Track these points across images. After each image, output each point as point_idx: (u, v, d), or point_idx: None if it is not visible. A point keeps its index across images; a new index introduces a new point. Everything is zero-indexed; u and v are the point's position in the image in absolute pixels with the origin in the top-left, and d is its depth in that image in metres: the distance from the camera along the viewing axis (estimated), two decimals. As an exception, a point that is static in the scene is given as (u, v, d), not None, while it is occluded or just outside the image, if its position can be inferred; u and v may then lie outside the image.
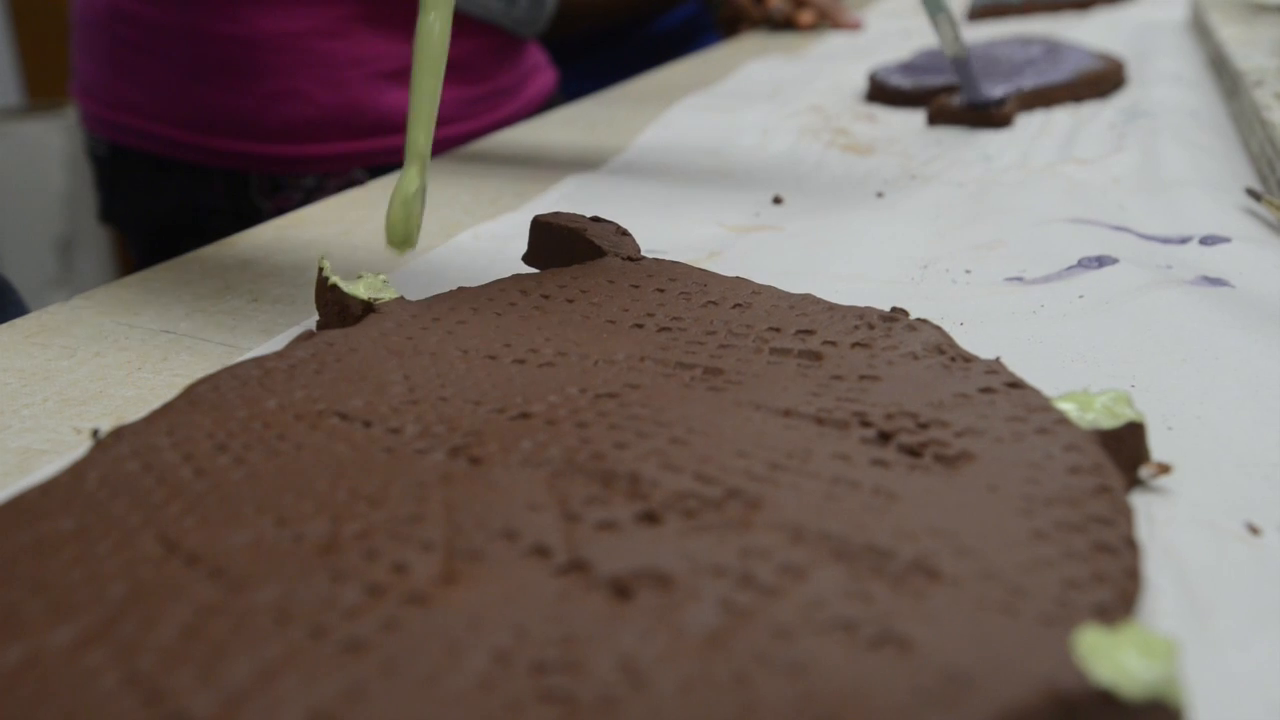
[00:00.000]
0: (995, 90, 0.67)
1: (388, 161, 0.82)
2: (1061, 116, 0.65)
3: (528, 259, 0.39)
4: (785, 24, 1.09)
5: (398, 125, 0.85)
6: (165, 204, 0.87)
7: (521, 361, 0.29)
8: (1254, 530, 0.25)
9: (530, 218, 0.39)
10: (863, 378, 0.27)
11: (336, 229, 0.50)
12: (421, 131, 0.37)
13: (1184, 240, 0.43)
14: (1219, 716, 0.19)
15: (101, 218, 0.94)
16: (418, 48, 0.38)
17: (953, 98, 0.65)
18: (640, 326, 0.31)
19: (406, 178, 0.36)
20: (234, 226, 0.50)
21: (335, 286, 0.34)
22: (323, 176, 0.84)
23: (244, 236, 0.49)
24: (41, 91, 1.98)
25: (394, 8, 0.83)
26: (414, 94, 0.38)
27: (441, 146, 0.79)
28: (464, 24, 0.86)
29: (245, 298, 0.42)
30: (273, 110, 0.83)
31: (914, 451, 0.24)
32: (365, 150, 0.84)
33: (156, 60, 0.83)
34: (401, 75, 0.85)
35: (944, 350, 0.29)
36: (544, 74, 1.00)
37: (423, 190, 0.36)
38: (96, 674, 0.18)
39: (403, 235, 0.35)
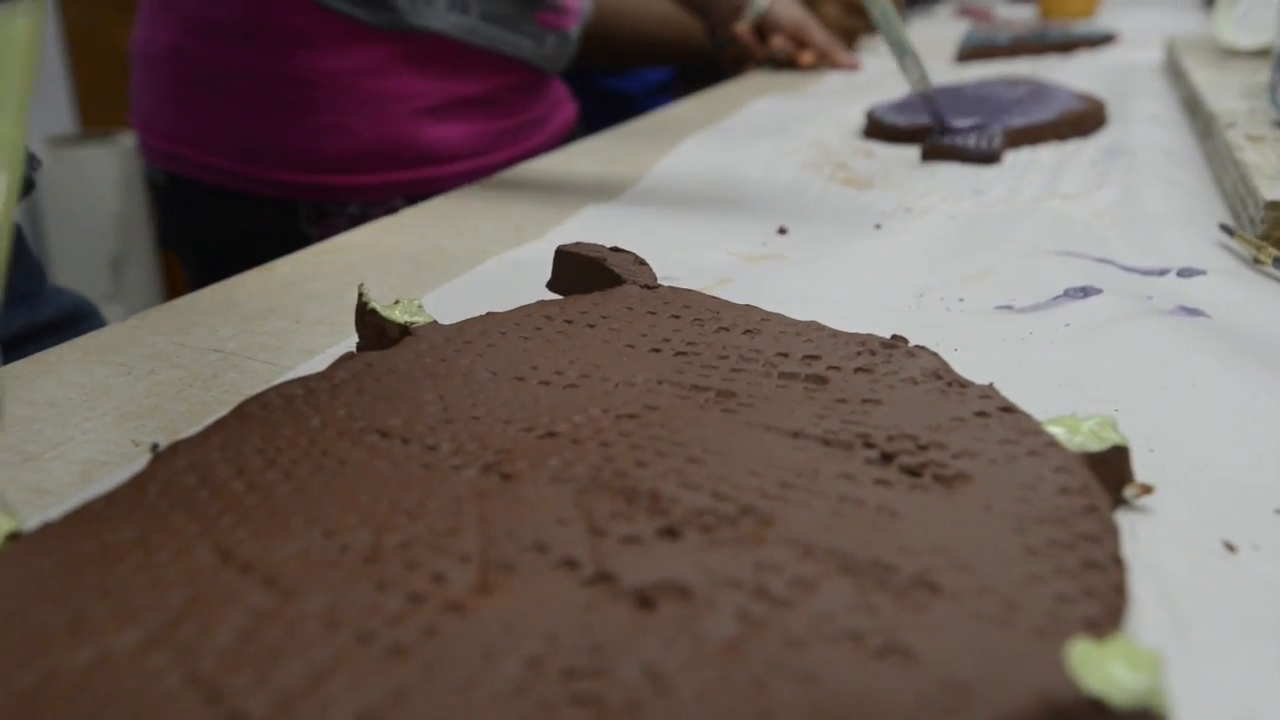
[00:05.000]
0: (983, 124, 0.67)
1: (426, 191, 0.82)
2: (1047, 154, 0.66)
3: (552, 286, 0.39)
4: (787, 64, 1.09)
5: (436, 158, 0.86)
6: (219, 230, 0.88)
7: (547, 383, 0.30)
8: (1230, 548, 0.25)
9: (552, 246, 0.40)
10: (865, 401, 0.28)
11: (372, 254, 0.50)
12: None
13: (1163, 272, 0.43)
14: (1198, 722, 0.19)
15: (161, 243, 0.94)
16: None
17: (946, 135, 0.66)
18: (657, 351, 0.31)
19: None
20: (283, 252, 0.50)
21: (374, 311, 0.34)
22: (365, 205, 0.84)
23: (286, 261, 0.49)
24: (95, 120, 1.99)
25: (431, 50, 0.84)
26: None
27: (475, 176, 0.80)
28: (496, 61, 0.87)
29: (288, 319, 0.42)
30: (320, 143, 0.83)
31: (914, 472, 0.24)
32: (405, 180, 0.85)
33: (214, 96, 0.84)
34: (437, 111, 0.85)
35: (941, 376, 0.29)
36: (566, 106, 1.00)
37: None
38: (160, 675, 0.18)
39: None
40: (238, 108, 0.84)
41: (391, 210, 0.82)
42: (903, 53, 0.67)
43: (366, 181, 0.85)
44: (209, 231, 0.89)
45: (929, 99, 0.70)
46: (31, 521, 0.26)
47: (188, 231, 0.91)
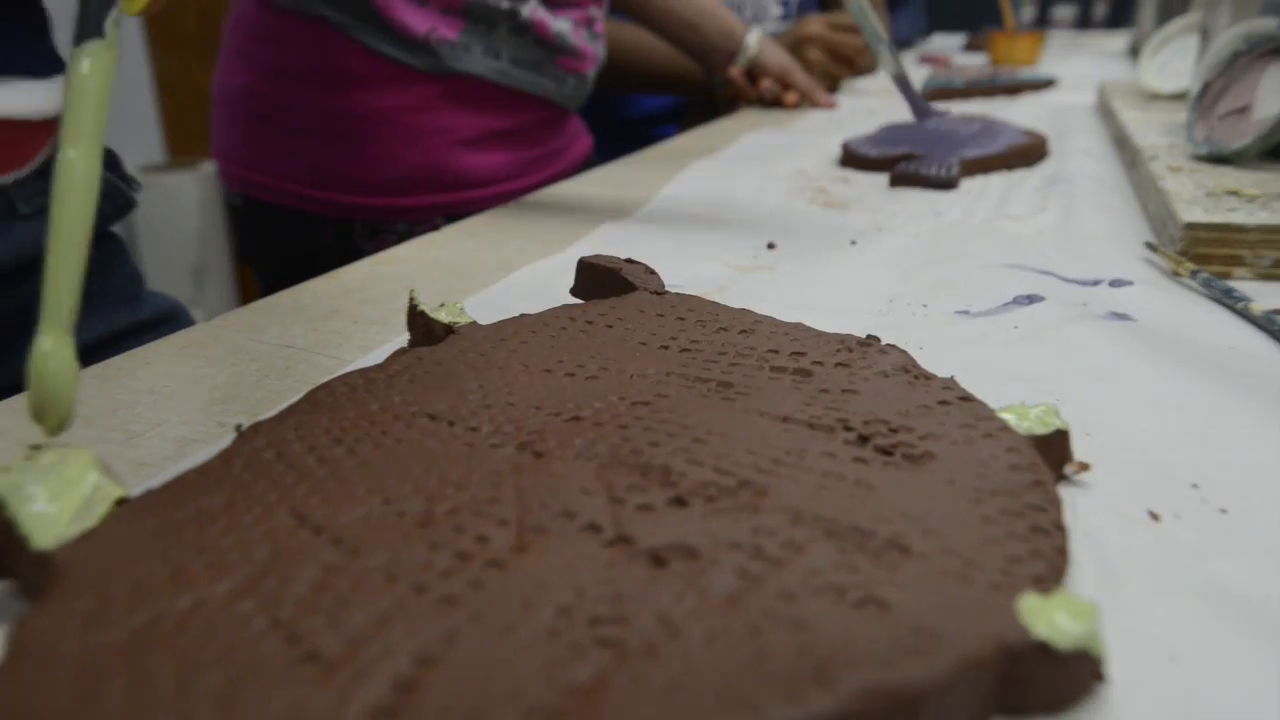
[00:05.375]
0: (949, 156, 0.67)
1: (463, 211, 0.83)
2: (997, 181, 0.66)
3: (574, 292, 0.39)
4: (774, 103, 1.09)
5: (472, 182, 0.86)
6: (286, 245, 0.88)
7: (572, 374, 0.30)
8: (1155, 517, 0.25)
9: (574, 258, 0.40)
10: (844, 391, 0.28)
11: (419, 265, 0.50)
12: (64, 290, 0.23)
13: (1096, 283, 0.43)
14: (1129, 664, 0.19)
15: (237, 257, 0.95)
16: (59, 188, 0.24)
17: (910, 165, 0.66)
18: (665, 348, 0.31)
19: (39, 344, 0.23)
20: (341, 264, 0.50)
21: (423, 312, 0.34)
22: (412, 223, 0.85)
23: (346, 270, 0.50)
24: (180, 151, 2.00)
25: (468, 90, 0.84)
26: (54, 244, 0.23)
27: (505, 198, 0.80)
28: (524, 100, 0.87)
29: (349, 320, 0.42)
30: (374, 170, 0.83)
31: (887, 451, 0.24)
32: (445, 202, 0.85)
33: (283, 131, 0.84)
34: (474, 142, 0.85)
35: (909, 370, 0.29)
36: (583, 139, 1.00)
37: (70, 360, 0.23)
38: (248, 619, 0.18)
39: (37, 409, 0.23)
40: (303, 140, 0.84)
41: (433, 228, 0.82)
42: (878, 42, 0.69)
43: (413, 203, 0.85)
44: (278, 246, 0.89)
45: (901, 80, 0.72)
46: (136, 489, 0.26)
47: (260, 246, 0.91)
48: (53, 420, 0.23)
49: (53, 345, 0.23)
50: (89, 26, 0.24)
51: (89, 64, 0.24)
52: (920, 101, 0.75)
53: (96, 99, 0.24)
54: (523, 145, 0.89)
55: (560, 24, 0.87)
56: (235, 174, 0.89)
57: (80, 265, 0.24)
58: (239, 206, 0.90)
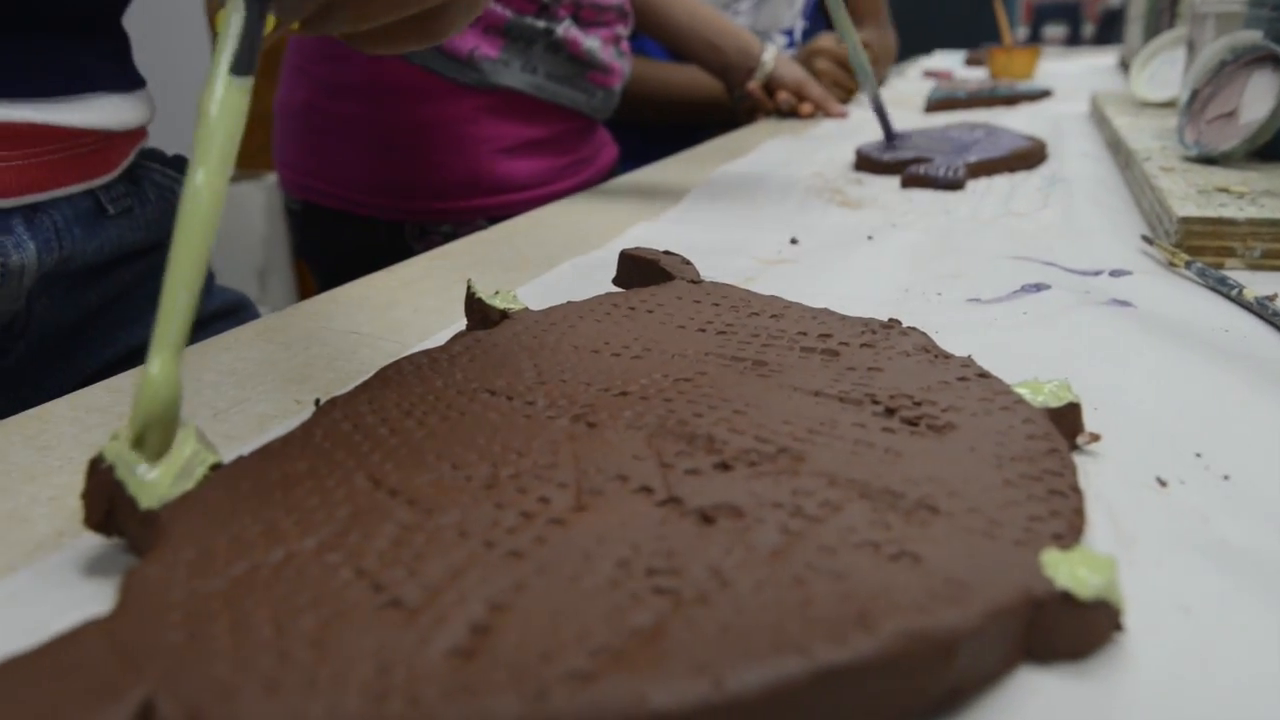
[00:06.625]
0: (955, 160, 0.66)
1: (502, 214, 0.83)
2: (1001, 182, 0.65)
3: (616, 281, 0.39)
4: (791, 113, 1.08)
5: (510, 187, 0.87)
6: (341, 245, 0.89)
7: (618, 355, 0.30)
8: (1161, 483, 0.24)
9: (614, 252, 0.40)
10: (870, 369, 0.27)
11: (472, 259, 0.50)
12: (174, 316, 0.22)
13: (1097, 273, 0.43)
14: (1142, 614, 0.19)
15: (296, 255, 0.96)
16: (182, 210, 0.22)
17: (920, 167, 0.65)
18: (703, 331, 0.31)
19: (149, 367, 0.21)
20: (392, 262, 0.51)
21: (480, 300, 0.35)
22: (456, 224, 0.85)
23: (404, 265, 0.50)
24: (245, 163, 2.01)
25: (508, 103, 0.84)
26: (172, 269, 0.22)
27: (540, 201, 0.80)
28: (557, 111, 0.87)
29: (409, 309, 0.42)
30: (423, 177, 0.84)
31: (912, 422, 0.24)
32: (486, 205, 0.85)
33: (339, 141, 0.85)
34: (512, 150, 0.86)
35: (929, 350, 0.29)
36: (609, 148, 1.01)
37: (172, 385, 0.21)
38: (335, 569, 0.18)
39: (142, 433, 0.21)
40: (357, 150, 0.85)
41: (476, 229, 0.83)
42: (862, 73, 0.75)
43: (457, 206, 0.85)
44: (333, 246, 0.90)
45: (877, 104, 0.76)
46: (225, 458, 0.26)
47: (317, 246, 0.92)
48: (153, 446, 0.21)
49: (162, 370, 0.21)
50: (242, 65, 0.24)
51: (235, 98, 0.24)
52: (891, 127, 0.78)
53: (233, 130, 0.23)
54: (556, 153, 0.90)
55: (591, 42, 0.87)
56: (296, 181, 0.89)
57: (198, 286, 0.22)
58: (298, 211, 0.91)
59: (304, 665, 0.16)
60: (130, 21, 0.49)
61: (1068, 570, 0.18)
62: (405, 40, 0.32)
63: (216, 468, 0.23)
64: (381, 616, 0.17)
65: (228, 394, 0.32)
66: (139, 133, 0.48)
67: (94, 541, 0.23)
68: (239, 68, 0.24)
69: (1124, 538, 0.22)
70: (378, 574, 0.18)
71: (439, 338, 0.37)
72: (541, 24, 0.83)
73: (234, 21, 0.24)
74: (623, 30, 0.93)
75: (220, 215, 0.23)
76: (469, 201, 0.85)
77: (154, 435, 0.21)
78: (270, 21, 0.26)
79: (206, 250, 0.22)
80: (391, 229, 0.86)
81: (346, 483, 0.22)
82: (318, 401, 0.28)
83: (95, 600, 0.21)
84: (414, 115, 0.83)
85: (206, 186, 0.23)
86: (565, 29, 0.85)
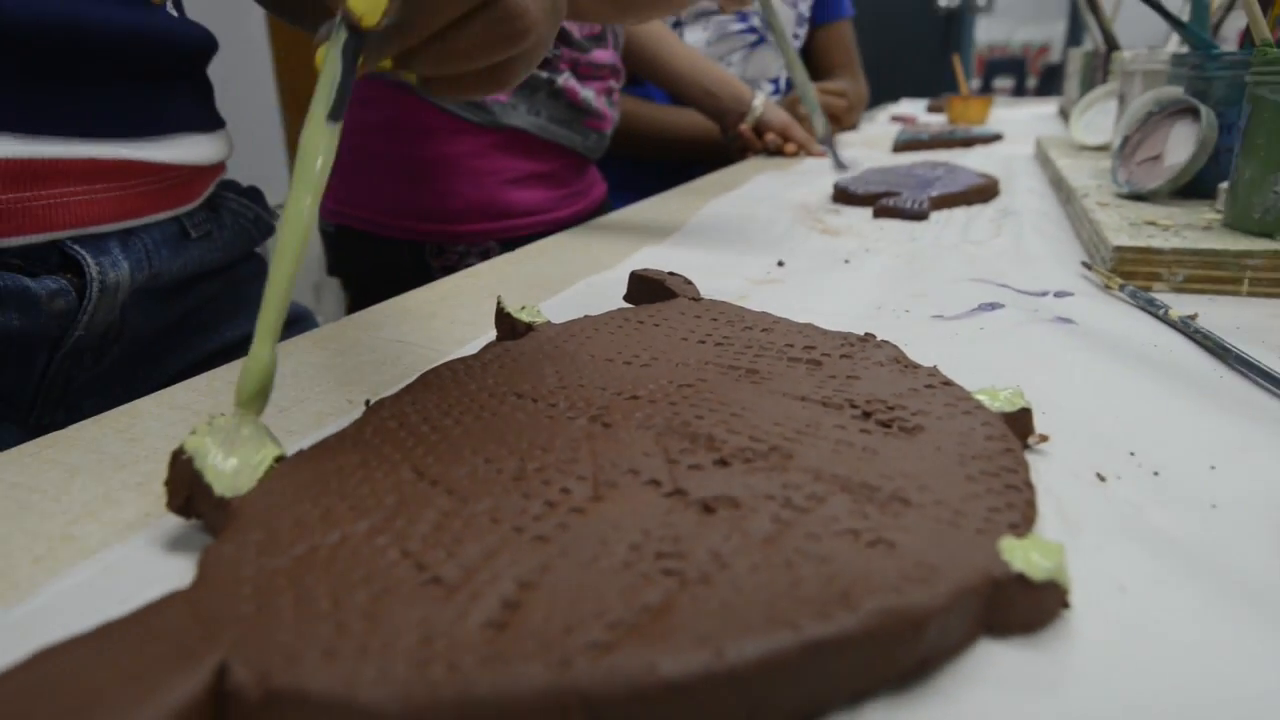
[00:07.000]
0: (919, 194, 0.66)
1: (509, 237, 0.85)
2: (959, 213, 0.65)
3: (627, 298, 0.39)
4: (777, 152, 1.08)
5: (516, 213, 0.87)
6: (369, 263, 0.89)
7: (629, 363, 0.30)
8: (1101, 478, 0.24)
9: (624, 272, 0.39)
10: (849, 377, 0.27)
11: (498, 279, 0.50)
12: (273, 310, 0.23)
13: (1044, 294, 0.42)
14: (1087, 594, 0.19)
15: (329, 272, 0.96)
16: (285, 228, 0.24)
17: (889, 200, 0.65)
18: (703, 342, 0.31)
19: (257, 350, 0.23)
20: (414, 280, 0.50)
21: (508, 314, 0.34)
22: (469, 245, 0.86)
23: (442, 282, 0.50)
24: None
25: (515, 140, 0.86)
26: (273, 274, 0.23)
27: (541, 226, 0.82)
28: (556, 149, 0.89)
29: (446, 320, 0.42)
30: (440, 204, 0.85)
31: (886, 424, 0.24)
32: (497, 229, 0.86)
33: (368, 174, 0.86)
34: (518, 181, 0.87)
35: (899, 361, 0.29)
36: (600, 185, 1.02)
37: (273, 365, 0.23)
38: (384, 550, 0.18)
39: (249, 398, 0.23)
40: (384, 180, 0.86)
41: (488, 250, 0.84)
42: (814, 111, 0.79)
43: (470, 229, 0.86)
44: (362, 265, 0.91)
45: (828, 142, 0.80)
46: (289, 450, 0.26)
47: (348, 264, 0.93)
48: (255, 408, 0.23)
49: (264, 351, 0.23)
50: (336, 113, 0.25)
51: (328, 139, 0.24)
52: (839, 159, 0.84)
53: (325, 166, 0.24)
54: (555, 185, 0.91)
55: (586, 92, 0.89)
56: (330, 208, 0.91)
57: (291, 288, 0.23)
58: (332, 233, 0.92)
59: (357, 634, 0.16)
60: (212, 71, 0.49)
61: (1022, 555, 0.18)
62: (473, 87, 0.31)
63: (280, 460, 0.22)
64: (424, 592, 0.17)
65: (289, 394, 0.32)
66: (219, 167, 0.48)
67: (175, 523, 0.23)
68: (334, 115, 0.25)
69: (1070, 526, 0.22)
70: (421, 555, 0.18)
71: (472, 346, 0.37)
72: (544, 74, 0.85)
73: (331, 72, 0.25)
74: (614, 84, 0.95)
75: (311, 234, 0.24)
76: (481, 225, 0.86)
77: (257, 401, 0.23)
78: (360, 63, 0.26)
79: (300, 262, 0.24)
80: (413, 249, 0.87)
81: (393, 474, 0.22)
82: (368, 402, 0.28)
83: (177, 574, 0.20)
84: (433, 150, 0.84)
85: (305, 211, 0.24)
86: (565, 80, 0.86)
